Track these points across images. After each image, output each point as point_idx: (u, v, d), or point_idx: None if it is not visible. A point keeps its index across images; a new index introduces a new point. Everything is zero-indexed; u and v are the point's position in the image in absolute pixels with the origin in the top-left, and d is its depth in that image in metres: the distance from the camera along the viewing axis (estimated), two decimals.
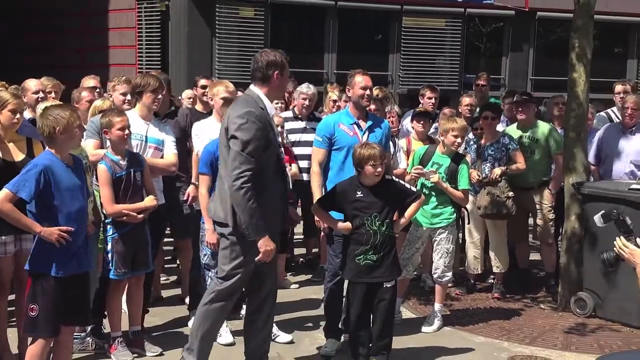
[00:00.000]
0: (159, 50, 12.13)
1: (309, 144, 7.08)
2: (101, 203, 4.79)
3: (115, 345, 4.88)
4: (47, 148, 4.11)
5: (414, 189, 4.95)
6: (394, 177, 5.04)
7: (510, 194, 6.33)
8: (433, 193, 5.58)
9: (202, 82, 6.69)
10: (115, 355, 4.86)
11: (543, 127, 6.67)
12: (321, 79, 12.69)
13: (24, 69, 11.53)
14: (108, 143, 4.90)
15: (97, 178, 4.82)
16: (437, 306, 5.79)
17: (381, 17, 13.36)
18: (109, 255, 4.77)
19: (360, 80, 5.09)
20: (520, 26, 13.91)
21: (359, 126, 5.14)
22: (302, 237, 7.74)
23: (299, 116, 7.21)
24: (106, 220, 4.81)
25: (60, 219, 3.95)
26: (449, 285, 6.74)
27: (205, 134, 5.43)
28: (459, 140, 5.61)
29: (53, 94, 5.90)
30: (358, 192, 4.74)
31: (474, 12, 13.72)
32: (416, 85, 11.95)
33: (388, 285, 4.74)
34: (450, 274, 5.80)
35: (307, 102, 7.17)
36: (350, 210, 4.77)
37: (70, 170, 4.05)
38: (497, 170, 6.33)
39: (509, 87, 13.31)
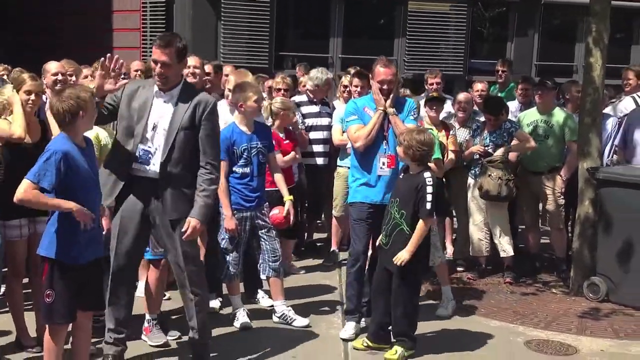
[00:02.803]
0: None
1: (323, 127, 7.12)
2: None
3: (149, 328, 4.90)
4: (60, 132, 4.02)
5: (428, 206, 4.58)
6: (429, 179, 4.66)
7: (511, 176, 6.34)
8: None
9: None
10: (150, 337, 4.89)
11: (559, 115, 6.68)
12: (326, 63, 12.61)
13: (28, 51, 11.47)
14: None
15: None
16: (444, 288, 5.79)
17: (387, 1, 13.28)
18: None
19: (378, 72, 5.04)
20: (526, 11, 13.80)
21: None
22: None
23: (314, 100, 7.20)
24: None
25: (80, 204, 3.89)
26: (460, 269, 6.84)
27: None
28: None
29: (74, 78, 5.86)
30: (402, 174, 4.81)
31: None
32: (421, 70, 11.87)
33: (396, 276, 4.70)
34: (440, 253, 5.77)
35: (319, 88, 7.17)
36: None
37: (83, 152, 4.00)
38: (499, 151, 6.33)
39: (514, 72, 13.24)
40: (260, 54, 12.01)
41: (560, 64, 14.19)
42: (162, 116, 4.29)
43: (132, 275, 4.59)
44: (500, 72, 8.60)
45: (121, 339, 4.50)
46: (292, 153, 6.28)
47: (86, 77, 6.16)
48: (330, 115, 7.22)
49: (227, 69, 7.30)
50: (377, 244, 4.93)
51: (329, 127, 7.13)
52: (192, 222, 4.29)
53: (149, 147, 4.27)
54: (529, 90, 7.66)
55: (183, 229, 4.28)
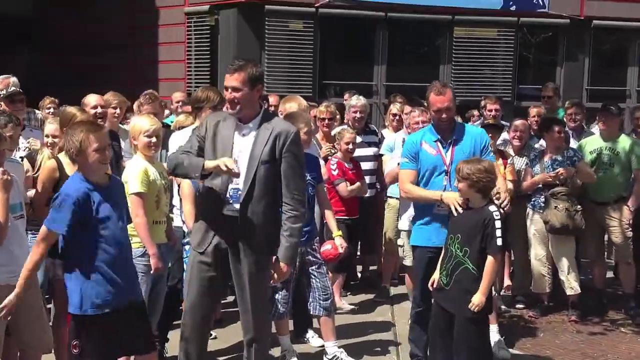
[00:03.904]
0: (208, 65, 12.00)
1: (366, 158, 6.84)
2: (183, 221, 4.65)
3: None
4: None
5: (499, 241, 4.23)
6: (496, 213, 4.30)
7: (579, 207, 6.01)
8: None
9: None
10: None
11: (624, 141, 6.32)
12: (371, 91, 12.44)
13: (74, 85, 11.56)
14: None
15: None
16: (492, 326, 5.41)
17: (432, 27, 13.07)
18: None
19: (433, 100, 4.68)
20: (576, 35, 13.46)
21: (442, 143, 4.74)
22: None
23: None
24: (184, 241, 4.62)
25: (98, 245, 3.64)
26: (520, 306, 6.46)
27: None
28: None
29: (118, 110, 5.73)
30: (460, 209, 4.45)
31: (528, 21, 13.30)
32: (468, 97, 11.61)
33: (460, 318, 4.33)
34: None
35: (357, 115, 6.92)
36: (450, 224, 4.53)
37: (102, 190, 3.71)
38: (567, 171, 5.99)
39: (564, 97, 12.84)
40: (304, 82, 11.90)
41: (613, 88, 13.75)
42: (241, 150, 4.05)
43: (205, 320, 4.26)
44: (546, 98, 8.25)
45: None
46: (358, 183, 6.19)
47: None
48: (375, 144, 6.98)
49: (272, 98, 7.14)
50: (432, 284, 4.56)
51: (374, 157, 6.89)
52: (278, 266, 4.11)
53: (237, 184, 4.02)
54: (579, 115, 7.31)
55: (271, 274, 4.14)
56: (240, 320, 4.26)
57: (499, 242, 4.23)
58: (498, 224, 4.24)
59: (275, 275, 4.13)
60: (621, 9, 13.22)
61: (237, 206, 4.01)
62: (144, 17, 12.91)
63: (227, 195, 4.03)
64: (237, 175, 3.95)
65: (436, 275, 4.50)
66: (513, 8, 13.01)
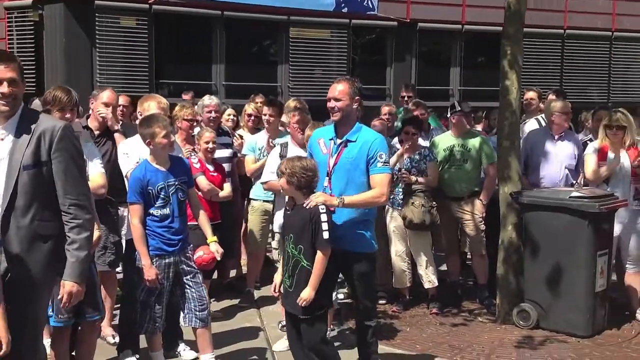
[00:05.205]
0: (33, 63, 11.06)
1: (224, 160, 6.60)
2: None
3: None
4: None
5: (325, 235, 4.18)
6: (322, 207, 4.23)
7: (434, 203, 6.24)
8: None
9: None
10: None
11: (475, 138, 6.61)
12: (210, 90, 12.13)
13: None
14: None
15: None
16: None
17: (269, 27, 13.01)
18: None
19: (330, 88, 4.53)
20: (403, 37, 14.05)
21: (335, 142, 4.54)
22: None
23: None
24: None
25: None
26: (382, 302, 6.56)
27: (134, 152, 4.91)
28: None
29: None
30: (288, 209, 4.41)
31: (359, 23, 13.66)
32: (305, 96, 11.67)
33: (302, 317, 4.26)
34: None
35: (212, 114, 6.69)
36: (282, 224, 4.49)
37: None
38: (413, 178, 6.24)
39: (394, 96, 13.40)
40: (138, 81, 11.37)
41: (438, 87, 14.54)
42: (1, 158, 3.44)
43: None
44: (406, 98, 8.57)
45: None
46: (229, 190, 6.01)
47: None
48: (229, 146, 6.78)
49: (122, 99, 6.65)
50: (274, 289, 4.50)
51: (229, 159, 6.69)
52: (66, 286, 3.45)
53: None
54: (425, 114, 7.65)
55: (58, 297, 3.50)
56: None
57: (326, 235, 4.19)
58: (324, 217, 4.21)
59: (64, 299, 3.48)
60: (443, 12, 13.99)
61: None
62: None
63: None
64: None
65: (277, 279, 4.45)
66: (345, 10, 13.30)
